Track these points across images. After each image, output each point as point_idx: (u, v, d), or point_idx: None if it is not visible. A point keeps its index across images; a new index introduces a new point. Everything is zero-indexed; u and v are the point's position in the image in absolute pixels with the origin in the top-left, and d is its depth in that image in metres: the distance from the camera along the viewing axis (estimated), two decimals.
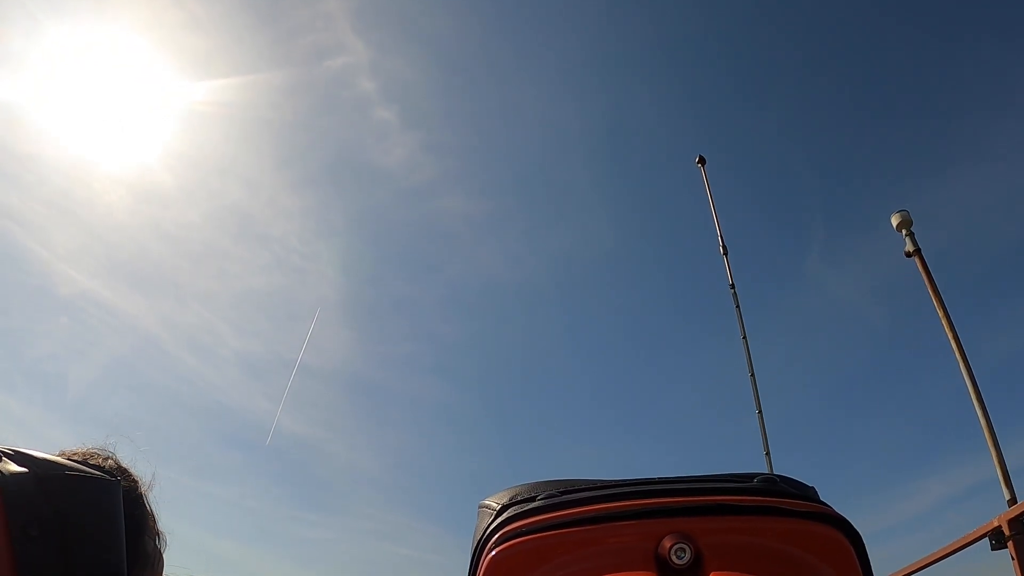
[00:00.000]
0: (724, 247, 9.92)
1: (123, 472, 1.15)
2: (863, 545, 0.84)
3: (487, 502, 0.98)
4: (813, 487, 0.97)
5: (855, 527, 0.81)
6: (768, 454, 8.49)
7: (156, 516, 1.23)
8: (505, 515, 0.88)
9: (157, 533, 1.22)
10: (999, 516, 4.67)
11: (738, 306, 9.41)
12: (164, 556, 1.31)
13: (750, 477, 0.94)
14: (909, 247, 10.60)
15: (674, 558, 0.76)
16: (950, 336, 9.97)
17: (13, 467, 0.91)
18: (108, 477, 1.02)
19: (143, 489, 1.20)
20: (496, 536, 0.86)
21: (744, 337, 9.13)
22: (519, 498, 0.94)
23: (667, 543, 0.77)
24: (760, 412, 8.52)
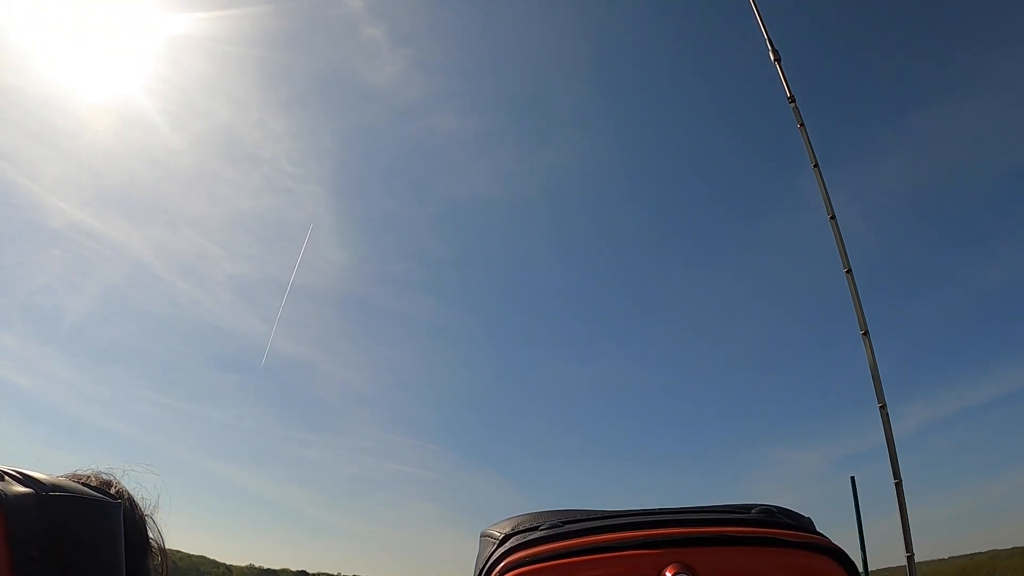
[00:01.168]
0: (775, 53, 7.29)
1: (126, 496, 1.23)
2: (857, 574, 0.89)
3: (489, 531, 1.01)
4: (809, 518, 1.04)
5: (849, 557, 0.89)
6: (866, 335, 6.92)
7: (162, 540, 1.32)
8: (508, 544, 0.91)
9: (162, 557, 1.31)
10: None
11: (802, 124, 6.75)
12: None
13: (748, 508, 1.00)
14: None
15: None
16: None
17: (16, 488, 0.95)
18: (110, 500, 1.08)
19: (147, 513, 1.29)
20: (499, 566, 0.88)
21: (815, 165, 6.52)
22: (521, 527, 0.96)
23: (669, 573, 0.80)
24: (849, 271, 6.90)
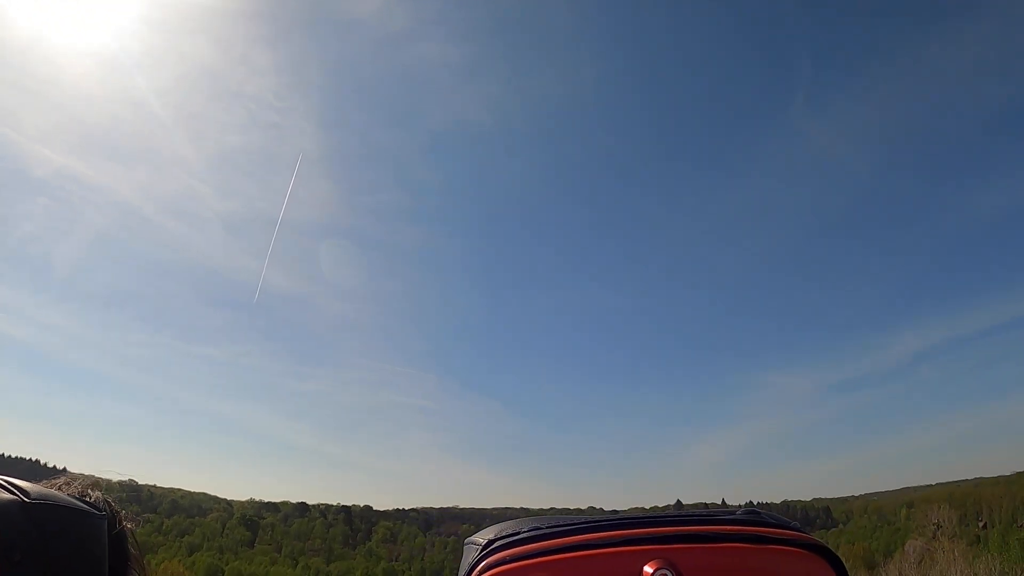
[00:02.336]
0: None
1: (111, 507, 1.24)
2: (845, 572, 0.91)
3: (473, 538, 1.02)
4: (796, 522, 0.99)
5: (836, 554, 0.88)
6: None
7: (141, 552, 1.38)
8: (491, 548, 0.92)
9: (141, 568, 1.36)
10: None
11: None
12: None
13: (734, 510, 0.98)
14: None
15: None
16: None
17: (2, 495, 0.95)
18: (95, 511, 1.10)
19: (130, 525, 1.34)
20: (481, 566, 0.90)
21: None
22: (504, 533, 0.96)
23: (650, 568, 0.80)
24: None
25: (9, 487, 1.03)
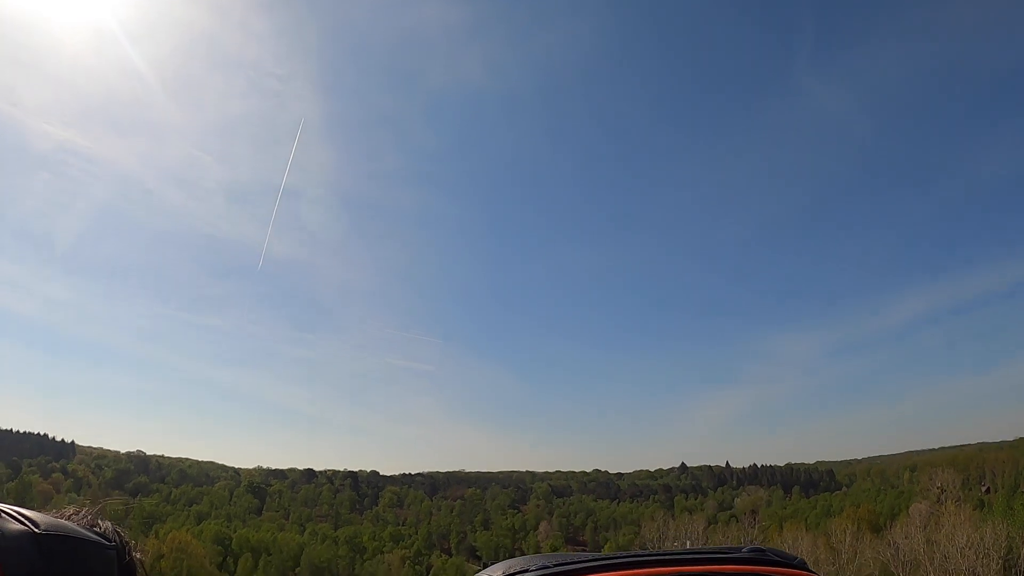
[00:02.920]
0: None
1: (120, 536, 1.21)
2: None
3: (482, 574, 1.05)
4: (801, 559, 1.03)
5: None
6: None
7: None
8: None
9: None
10: None
11: None
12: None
13: (738, 548, 1.01)
14: None
15: None
16: None
17: (13, 525, 0.95)
18: (104, 541, 1.09)
19: (139, 555, 1.27)
20: None
21: None
22: (513, 570, 0.99)
23: None
24: None
25: (20, 518, 1.03)
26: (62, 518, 1.15)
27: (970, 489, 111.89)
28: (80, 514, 1.22)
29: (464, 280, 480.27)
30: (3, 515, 1.04)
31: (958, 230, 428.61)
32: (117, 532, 1.28)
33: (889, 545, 51.74)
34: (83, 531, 1.11)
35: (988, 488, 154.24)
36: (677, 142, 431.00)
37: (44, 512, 0.90)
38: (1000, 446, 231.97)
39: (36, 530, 1.01)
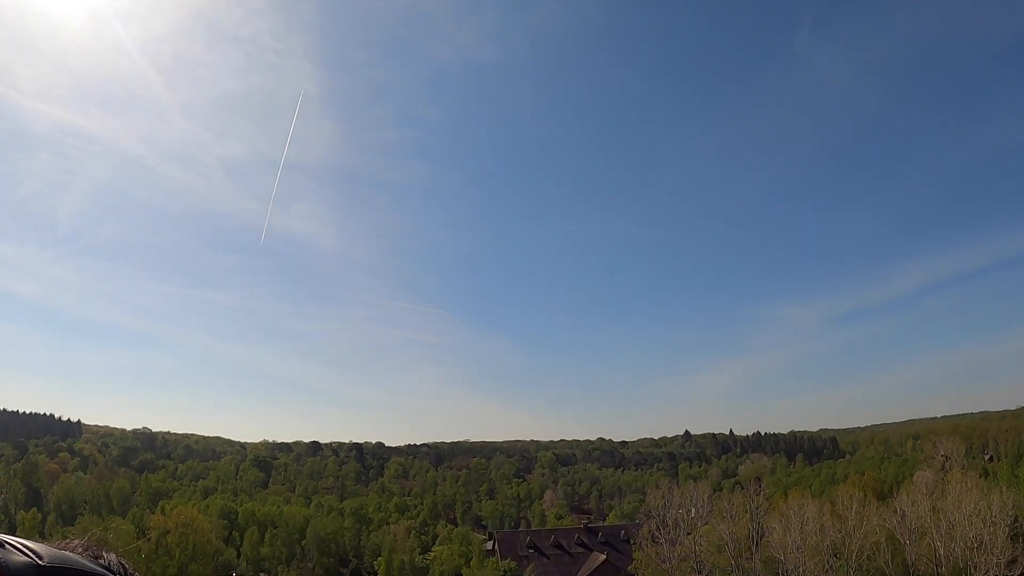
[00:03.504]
0: None
1: (124, 568, 1.26)
2: None
3: None
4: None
5: None
6: None
7: None
8: None
9: None
10: None
11: None
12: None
13: None
14: None
15: None
16: None
17: (17, 557, 0.96)
18: (108, 573, 1.12)
19: None
20: None
21: None
22: None
23: None
24: None
25: (24, 550, 1.02)
26: (66, 549, 1.16)
27: (974, 457, 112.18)
28: (84, 545, 1.27)
29: (469, 251, 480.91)
30: (7, 546, 1.04)
31: (964, 199, 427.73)
32: (121, 563, 1.33)
33: (895, 512, 51.81)
34: (87, 563, 1.13)
35: (991, 456, 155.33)
36: (678, 111, 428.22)
37: (47, 543, 1.05)
38: (1003, 415, 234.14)
39: (40, 562, 1.00)
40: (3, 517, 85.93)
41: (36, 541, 0.87)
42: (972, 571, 43.73)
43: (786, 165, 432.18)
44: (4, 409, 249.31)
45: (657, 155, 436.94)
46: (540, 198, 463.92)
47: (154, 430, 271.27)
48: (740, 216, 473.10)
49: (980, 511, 46.24)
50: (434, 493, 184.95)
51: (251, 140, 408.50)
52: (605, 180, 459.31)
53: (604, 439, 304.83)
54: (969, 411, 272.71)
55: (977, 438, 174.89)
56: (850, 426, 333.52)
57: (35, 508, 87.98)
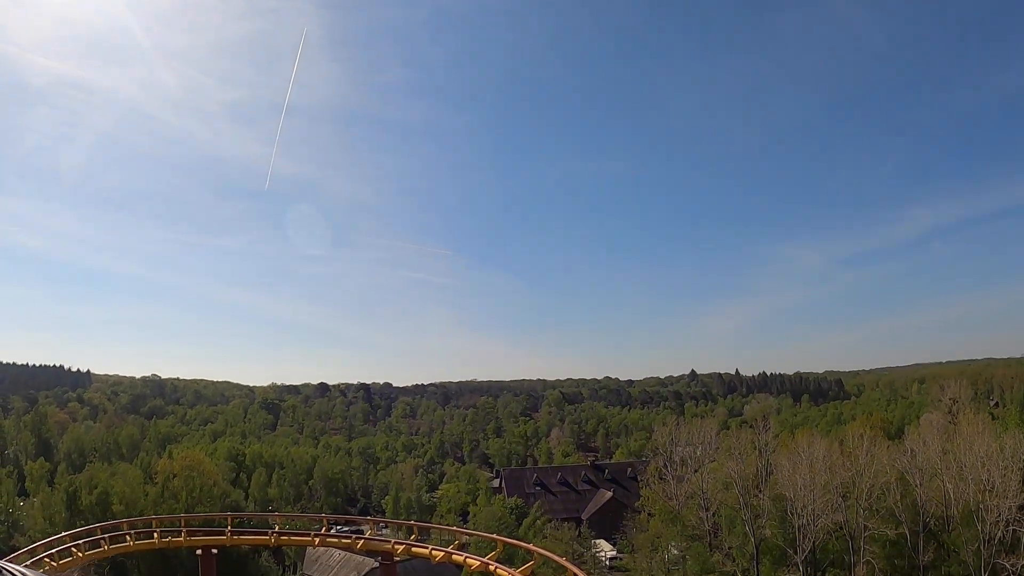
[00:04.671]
0: None
1: None
2: None
3: None
4: None
5: None
6: None
7: None
8: None
9: None
10: None
11: None
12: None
13: None
14: None
15: None
16: None
17: None
18: None
19: None
20: None
21: None
22: None
23: None
24: None
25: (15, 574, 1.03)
26: (63, 571, 1.09)
27: (979, 403, 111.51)
28: (82, 569, 1.12)
29: (476, 192, 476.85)
30: (4, 573, 1.03)
31: (973, 144, 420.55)
32: None
33: (906, 452, 51.18)
34: None
35: (996, 403, 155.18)
36: (687, 51, 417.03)
37: (46, 573, 1.09)
38: (1008, 362, 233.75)
39: None
40: (12, 468, 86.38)
41: (31, 568, 1.00)
42: (984, 514, 43.05)
43: (795, 106, 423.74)
44: (13, 363, 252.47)
45: (666, 94, 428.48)
46: (548, 137, 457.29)
47: (163, 377, 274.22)
48: (747, 157, 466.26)
49: (992, 454, 45.41)
50: (441, 432, 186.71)
51: (254, 85, 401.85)
52: (613, 118, 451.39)
53: (610, 378, 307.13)
54: (974, 357, 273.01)
55: (982, 384, 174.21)
56: (855, 369, 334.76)
57: (43, 458, 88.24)
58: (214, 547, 36.11)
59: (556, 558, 27.68)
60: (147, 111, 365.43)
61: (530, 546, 33.29)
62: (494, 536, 34.89)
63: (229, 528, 37.06)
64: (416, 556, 35.37)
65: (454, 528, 45.66)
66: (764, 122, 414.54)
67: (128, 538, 34.43)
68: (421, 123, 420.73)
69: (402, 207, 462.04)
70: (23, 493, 79.23)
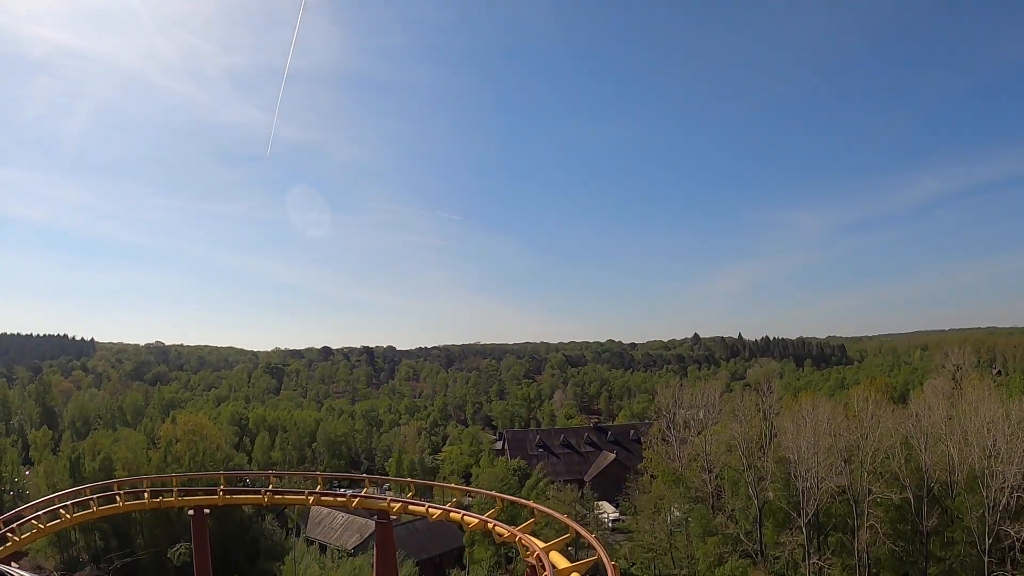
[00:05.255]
0: None
1: None
2: None
3: None
4: None
5: None
6: None
7: None
8: None
9: None
10: None
11: None
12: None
13: None
14: None
15: None
16: None
17: None
18: None
19: None
20: None
21: None
22: None
23: None
24: None
25: None
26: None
27: (982, 371, 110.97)
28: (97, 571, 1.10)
29: (478, 155, 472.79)
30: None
31: (979, 112, 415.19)
32: None
33: (911, 416, 50.79)
34: None
35: (1000, 371, 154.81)
36: (691, 15, 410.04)
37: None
38: (1011, 331, 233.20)
39: None
40: (17, 438, 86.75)
41: (35, 574, 0.98)
42: (989, 480, 42.73)
43: (800, 71, 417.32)
44: (18, 333, 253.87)
45: (669, 58, 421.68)
46: (551, 100, 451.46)
47: (167, 343, 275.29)
48: (753, 122, 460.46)
49: (997, 420, 44.97)
50: (444, 395, 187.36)
51: (254, 50, 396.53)
52: (617, 80, 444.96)
53: (613, 341, 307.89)
54: (977, 326, 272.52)
55: (985, 353, 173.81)
56: (858, 335, 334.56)
57: (46, 426, 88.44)
58: (206, 507, 35.88)
59: (557, 515, 27.39)
60: (147, 79, 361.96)
61: (531, 503, 33.16)
62: (493, 493, 34.68)
63: (221, 487, 36.72)
64: (413, 514, 34.59)
65: (454, 486, 45.69)
66: (770, 87, 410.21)
67: (118, 499, 34.31)
68: (422, 87, 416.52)
69: (404, 171, 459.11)
70: (27, 462, 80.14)
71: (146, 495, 35.65)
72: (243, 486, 48.72)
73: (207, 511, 35.76)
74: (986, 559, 42.11)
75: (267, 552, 57.41)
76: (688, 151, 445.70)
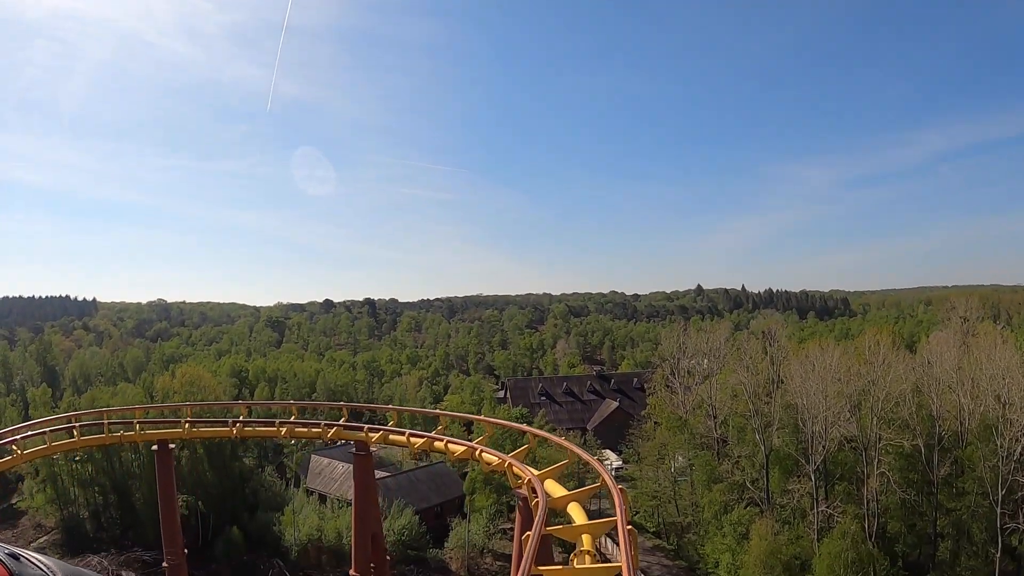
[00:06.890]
0: None
1: None
2: None
3: None
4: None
5: None
6: None
7: None
8: None
9: None
10: None
11: None
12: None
13: None
14: None
15: None
16: None
17: (32, 572, 0.97)
18: None
19: None
20: None
21: None
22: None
23: None
24: None
25: (39, 564, 0.99)
26: (86, 567, 1.11)
27: (989, 323, 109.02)
28: (103, 566, 1.12)
29: (479, 109, 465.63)
30: (22, 559, 1.01)
31: (987, 69, 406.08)
32: None
33: (922, 362, 49.61)
34: None
35: (1004, 327, 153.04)
36: None
37: (68, 561, 1.07)
38: (1015, 288, 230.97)
39: None
40: (17, 397, 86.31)
41: (52, 558, 1.00)
42: (1003, 429, 41.63)
43: (808, 25, 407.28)
44: (20, 296, 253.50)
45: (673, 10, 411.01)
46: (552, 52, 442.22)
47: (169, 301, 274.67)
48: (759, 75, 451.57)
49: (1011, 368, 43.74)
50: (446, 345, 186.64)
51: (252, 6, 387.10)
52: (618, 33, 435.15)
53: (616, 292, 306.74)
54: (980, 283, 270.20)
55: (988, 309, 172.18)
56: (861, 289, 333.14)
57: (45, 384, 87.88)
58: (171, 441, 34.91)
59: (552, 437, 26.40)
60: (145, 38, 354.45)
61: (524, 427, 32.62)
62: (474, 416, 34.31)
63: (187, 420, 35.56)
64: (393, 444, 33.10)
65: (459, 414, 45.35)
66: (776, 38, 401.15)
67: (74, 432, 33.55)
68: (423, 41, 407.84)
69: (405, 125, 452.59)
70: (28, 420, 79.09)
71: (105, 427, 34.47)
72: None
73: (172, 446, 34.85)
74: (998, 510, 41.25)
75: (266, 503, 56.91)
76: (692, 106, 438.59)
